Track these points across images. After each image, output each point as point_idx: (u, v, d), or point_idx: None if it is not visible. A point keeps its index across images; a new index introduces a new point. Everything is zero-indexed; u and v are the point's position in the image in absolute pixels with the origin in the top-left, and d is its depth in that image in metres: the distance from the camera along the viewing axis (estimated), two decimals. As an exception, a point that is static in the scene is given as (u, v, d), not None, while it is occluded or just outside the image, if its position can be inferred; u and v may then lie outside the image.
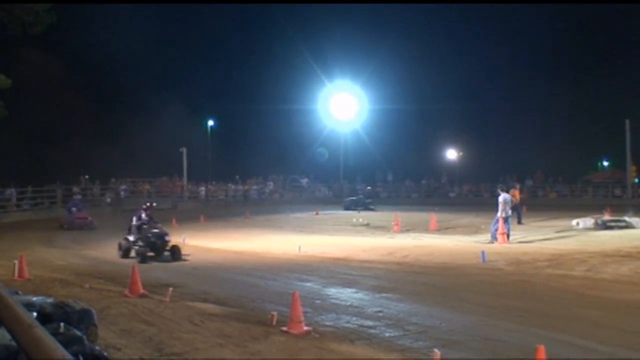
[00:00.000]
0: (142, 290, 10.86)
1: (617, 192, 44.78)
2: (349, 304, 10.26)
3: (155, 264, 15.72)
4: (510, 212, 19.69)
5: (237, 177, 49.27)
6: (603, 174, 54.65)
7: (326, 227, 25.61)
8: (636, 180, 48.10)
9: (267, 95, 57.58)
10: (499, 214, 19.24)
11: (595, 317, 9.07)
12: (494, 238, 19.04)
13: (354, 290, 11.47)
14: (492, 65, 60.49)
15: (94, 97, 48.94)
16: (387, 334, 8.26)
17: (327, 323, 8.84)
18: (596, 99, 54.02)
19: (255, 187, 49.23)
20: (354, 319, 9.12)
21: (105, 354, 5.57)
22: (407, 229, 24.08)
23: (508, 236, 19.05)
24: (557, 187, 44.96)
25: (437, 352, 6.41)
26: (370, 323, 8.84)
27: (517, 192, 25.27)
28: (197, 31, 68.65)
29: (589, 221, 22.98)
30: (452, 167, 53.86)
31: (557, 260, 14.67)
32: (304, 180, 52.28)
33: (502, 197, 19.61)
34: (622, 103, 48.65)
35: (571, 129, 55.71)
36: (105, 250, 19.00)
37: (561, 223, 23.65)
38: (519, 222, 24.22)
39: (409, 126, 57.26)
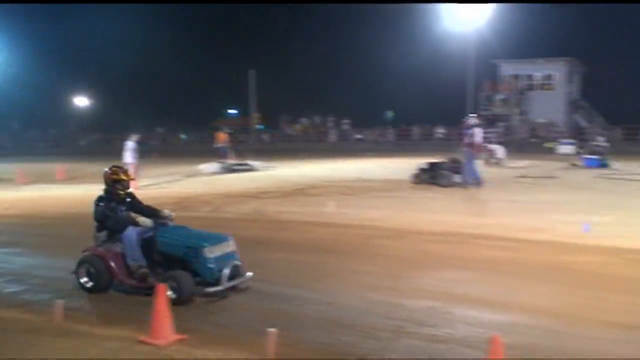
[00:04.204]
0: None
1: (242, 137, 48.07)
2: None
3: None
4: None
5: None
6: (231, 121, 58.08)
7: None
8: (259, 127, 52.13)
9: None
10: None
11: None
12: None
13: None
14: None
15: None
16: (7, 290, 7.78)
17: None
18: (222, 50, 56.75)
19: None
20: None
21: None
22: (34, 180, 22.78)
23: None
24: (184, 134, 46.33)
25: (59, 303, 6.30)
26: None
27: (222, 135, 26.83)
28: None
29: (215, 165, 24.33)
30: (82, 115, 51.84)
31: (183, 202, 15.28)
32: None
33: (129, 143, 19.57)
34: (247, 54, 51.92)
35: (199, 78, 57.88)
36: None
37: (190, 168, 24.53)
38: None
39: (32, 73, 53.37)
